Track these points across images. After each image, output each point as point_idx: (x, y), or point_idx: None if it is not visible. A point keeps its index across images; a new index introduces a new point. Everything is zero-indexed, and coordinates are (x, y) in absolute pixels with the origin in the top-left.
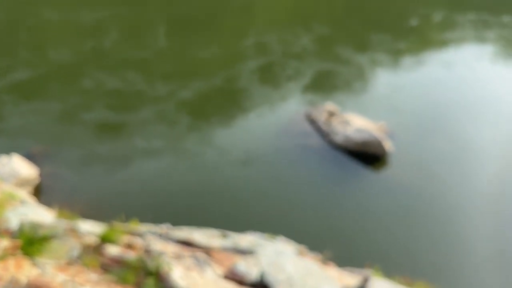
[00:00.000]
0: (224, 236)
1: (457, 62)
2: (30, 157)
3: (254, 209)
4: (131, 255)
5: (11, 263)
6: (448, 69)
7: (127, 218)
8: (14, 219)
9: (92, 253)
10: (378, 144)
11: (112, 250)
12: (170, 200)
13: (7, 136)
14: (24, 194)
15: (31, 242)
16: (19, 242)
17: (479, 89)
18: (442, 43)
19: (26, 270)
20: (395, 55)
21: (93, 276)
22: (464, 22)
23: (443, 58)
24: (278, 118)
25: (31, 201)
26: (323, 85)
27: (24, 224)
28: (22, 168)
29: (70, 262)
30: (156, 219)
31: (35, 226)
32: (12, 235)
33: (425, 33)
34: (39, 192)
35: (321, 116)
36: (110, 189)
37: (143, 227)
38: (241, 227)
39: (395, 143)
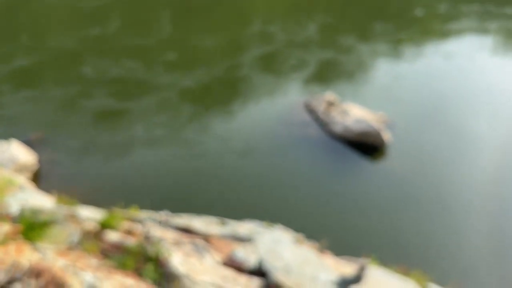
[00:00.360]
0: (223, 223)
1: (459, 53)
2: (29, 143)
3: (253, 198)
4: (131, 241)
5: (12, 247)
6: (449, 60)
7: (127, 205)
8: (14, 204)
9: (92, 239)
10: (377, 135)
11: (112, 236)
12: (170, 187)
13: (6, 122)
14: (23, 180)
15: (31, 227)
16: (20, 227)
17: (480, 80)
18: (445, 34)
19: (27, 255)
20: (397, 45)
21: (93, 261)
22: (467, 13)
23: (445, 48)
24: (278, 107)
25: (30, 187)
26: (323, 74)
27: (24, 209)
28: (21, 154)
29: (70, 248)
30: (156, 206)
31: (35, 211)
32: (12, 220)
33: (428, 24)
34: (38, 178)
35: (320, 106)
36: (110, 176)
37: (143, 214)
38: (239, 215)
39: (394, 134)
